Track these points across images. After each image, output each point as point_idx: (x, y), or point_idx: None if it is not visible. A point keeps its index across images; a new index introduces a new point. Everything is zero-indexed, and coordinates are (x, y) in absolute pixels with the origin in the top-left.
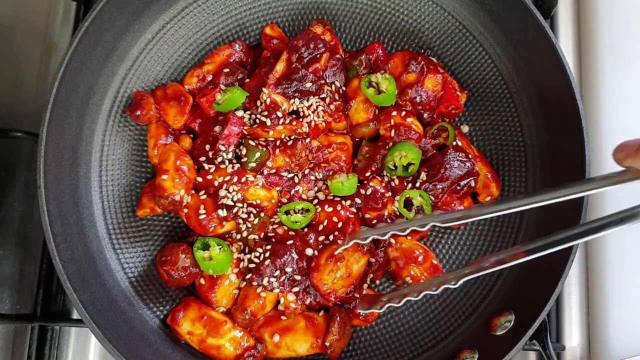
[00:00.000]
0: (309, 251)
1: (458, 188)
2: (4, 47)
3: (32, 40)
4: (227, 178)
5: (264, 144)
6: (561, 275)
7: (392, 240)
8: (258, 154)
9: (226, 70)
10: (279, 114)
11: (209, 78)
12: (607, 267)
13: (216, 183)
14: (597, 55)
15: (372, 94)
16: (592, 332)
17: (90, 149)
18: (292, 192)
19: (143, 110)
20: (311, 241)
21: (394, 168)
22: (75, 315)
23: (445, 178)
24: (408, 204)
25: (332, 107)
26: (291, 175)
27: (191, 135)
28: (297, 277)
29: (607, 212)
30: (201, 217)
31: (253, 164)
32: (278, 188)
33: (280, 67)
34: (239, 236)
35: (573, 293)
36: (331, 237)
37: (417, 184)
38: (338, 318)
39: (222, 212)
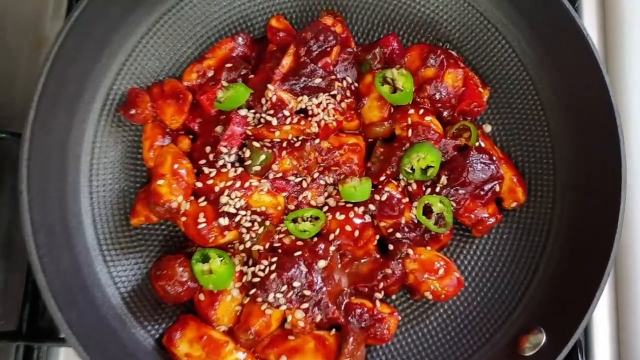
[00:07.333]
0: (321, 263)
1: (481, 193)
2: None
3: (22, 36)
4: (229, 183)
5: (269, 145)
6: (598, 287)
7: (410, 251)
8: (263, 157)
9: (228, 65)
10: (286, 113)
11: (210, 74)
12: (638, 284)
13: (217, 188)
14: (624, 46)
15: (387, 91)
16: (623, 352)
17: (80, 151)
18: (300, 198)
19: (138, 109)
20: (321, 252)
21: (411, 171)
22: None
23: (468, 182)
24: (427, 210)
25: (343, 104)
26: (299, 179)
27: (190, 136)
28: (306, 293)
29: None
30: (200, 226)
31: (257, 168)
32: (284, 194)
33: (287, 61)
34: (241, 247)
35: (602, 310)
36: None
37: (437, 189)
38: (351, 338)
39: (224, 221)
